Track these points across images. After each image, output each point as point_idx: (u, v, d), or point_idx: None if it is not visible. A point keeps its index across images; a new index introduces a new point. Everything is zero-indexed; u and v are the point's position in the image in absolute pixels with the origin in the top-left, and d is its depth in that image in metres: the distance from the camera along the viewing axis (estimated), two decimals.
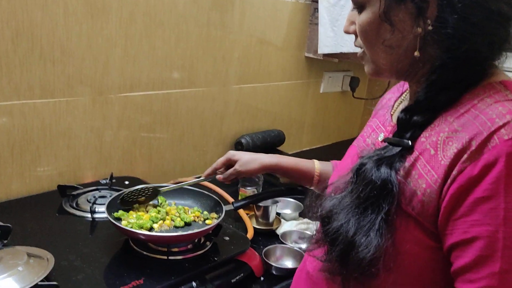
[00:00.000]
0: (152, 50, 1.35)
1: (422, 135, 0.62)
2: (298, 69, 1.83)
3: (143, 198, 1.07)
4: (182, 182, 1.45)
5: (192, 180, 1.12)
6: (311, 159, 1.69)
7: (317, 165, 1.05)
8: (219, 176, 1.07)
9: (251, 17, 1.58)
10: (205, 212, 1.10)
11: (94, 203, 1.14)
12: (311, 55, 1.80)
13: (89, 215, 1.13)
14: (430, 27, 0.60)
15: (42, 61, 1.16)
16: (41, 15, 1.12)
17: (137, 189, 1.05)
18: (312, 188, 1.06)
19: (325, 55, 1.73)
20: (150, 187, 1.07)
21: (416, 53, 0.63)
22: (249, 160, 1.04)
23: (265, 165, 1.04)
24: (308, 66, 1.86)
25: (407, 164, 0.62)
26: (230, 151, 1.09)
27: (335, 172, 0.82)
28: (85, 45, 1.22)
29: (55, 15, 1.14)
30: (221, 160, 1.07)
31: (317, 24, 1.69)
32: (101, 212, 1.13)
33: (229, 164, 1.07)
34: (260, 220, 1.26)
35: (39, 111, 1.19)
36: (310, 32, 1.78)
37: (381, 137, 0.73)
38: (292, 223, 1.28)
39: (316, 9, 1.71)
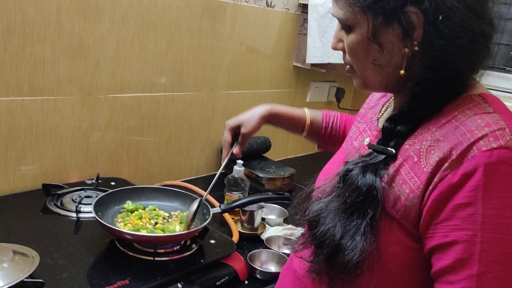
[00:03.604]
0: (143, 53, 1.36)
1: (406, 143, 0.65)
2: (286, 77, 1.86)
3: None
4: (168, 185, 1.45)
5: (219, 171, 1.04)
6: (296, 167, 1.72)
7: (308, 113, 1.07)
8: (235, 151, 1.03)
9: (242, 25, 1.61)
10: (184, 214, 1.10)
11: (79, 202, 1.13)
12: (299, 65, 1.83)
13: (74, 214, 1.12)
14: (416, 48, 0.63)
15: (33, 59, 1.15)
16: (33, 13, 1.12)
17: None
18: (303, 136, 1.09)
19: (313, 65, 1.77)
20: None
21: (402, 72, 0.66)
22: (248, 118, 1.03)
23: (262, 115, 1.03)
24: (295, 75, 1.89)
25: (391, 170, 0.65)
26: (227, 121, 1.05)
27: (321, 174, 0.84)
28: (76, 45, 1.22)
29: (47, 13, 1.14)
30: (227, 134, 1.04)
31: (306, 34, 1.73)
32: (87, 212, 1.12)
33: (236, 133, 1.04)
34: (245, 224, 1.27)
35: (27, 108, 1.18)
36: (299, 42, 1.81)
37: (366, 141, 0.76)
38: (277, 228, 1.30)
39: (305, 20, 1.75)
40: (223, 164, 1.04)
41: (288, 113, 1.06)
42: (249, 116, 1.03)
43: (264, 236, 1.25)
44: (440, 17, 0.60)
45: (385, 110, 0.80)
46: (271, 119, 1.05)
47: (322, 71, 1.80)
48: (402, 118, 0.67)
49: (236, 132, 1.04)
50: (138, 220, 1.03)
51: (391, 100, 0.80)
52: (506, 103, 0.66)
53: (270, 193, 1.13)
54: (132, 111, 1.40)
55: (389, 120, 0.69)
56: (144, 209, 1.08)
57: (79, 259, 0.94)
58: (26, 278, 0.77)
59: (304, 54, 1.75)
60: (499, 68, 1.75)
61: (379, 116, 0.80)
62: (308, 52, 1.72)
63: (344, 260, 0.62)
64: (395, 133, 0.67)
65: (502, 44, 1.74)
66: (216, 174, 1.03)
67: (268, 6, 1.67)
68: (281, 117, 1.05)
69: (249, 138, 1.05)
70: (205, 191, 1.36)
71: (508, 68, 1.72)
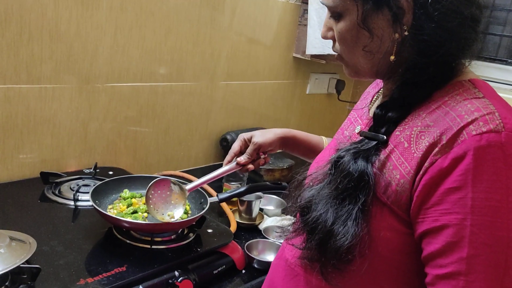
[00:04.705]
0: (141, 41, 1.35)
1: (396, 129, 0.66)
2: (285, 69, 1.85)
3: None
4: (166, 175, 1.45)
5: (215, 172, 1.02)
6: (295, 159, 1.72)
7: (325, 140, 1.07)
8: (240, 159, 1.01)
9: (241, 15, 1.59)
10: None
11: (77, 191, 1.13)
12: (299, 56, 1.82)
13: (71, 202, 1.12)
14: (406, 33, 0.63)
15: (30, 46, 1.14)
16: None
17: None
18: None
19: (312, 56, 1.76)
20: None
21: (392, 57, 0.66)
22: (263, 132, 1.03)
23: (279, 135, 1.03)
24: (295, 67, 1.88)
25: (382, 156, 0.65)
26: (240, 134, 1.05)
27: (313, 163, 0.84)
28: (74, 32, 1.21)
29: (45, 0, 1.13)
30: (236, 144, 1.03)
31: (306, 25, 1.71)
32: (85, 200, 1.12)
33: (246, 146, 1.04)
34: (243, 215, 1.27)
35: (25, 96, 1.18)
36: (299, 33, 1.80)
37: (357, 129, 0.76)
38: (275, 219, 1.30)
39: (305, 10, 1.73)
40: (222, 169, 1.02)
41: (306, 138, 1.06)
42: (265, 130, 1.04)
43: (262, 226, 1.25)
44: (430, 0, 0.60)
45: (376, 99, 0.81)
46: (287, 142, 1.05)
47: (322, 62, 1.79)
48: (393, 104, 0.67)
49: (248, 145, 1.03)
50: (124, 207, 1.03)
51: (381, 91, 0.80)
52: (507, 96, 0.66)
53: (268, 183, 1.13)
54: (130, 101, 1.39)
55: (380, 107, 0.69)
56: (140, 197, 1.08)
57: (76, 246, 0.94)
58: (23, 263, 0.77)
59: (304, 45, 1.74)
60: (501, 60, 1.74)
61: (370, 106, 0.80)
62: (308, 43, 1.71)
63: (336, 245, 0.63)
64: (386, 119, 0.67)
65: (505, 35, 1.73)
66: (216, 169, 1.02)
67: None
68: (298, 141, 1.05)
69: (259, 150, 1.03)
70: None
71: (510, 60, 1.72)
